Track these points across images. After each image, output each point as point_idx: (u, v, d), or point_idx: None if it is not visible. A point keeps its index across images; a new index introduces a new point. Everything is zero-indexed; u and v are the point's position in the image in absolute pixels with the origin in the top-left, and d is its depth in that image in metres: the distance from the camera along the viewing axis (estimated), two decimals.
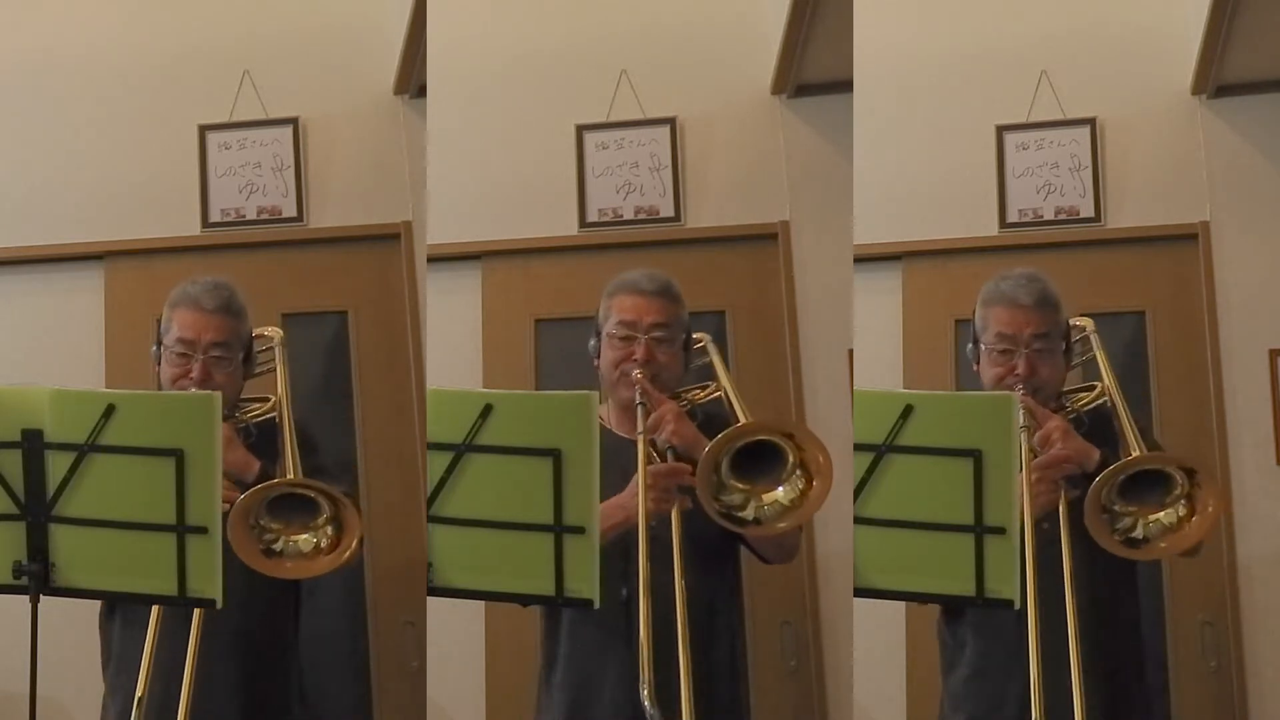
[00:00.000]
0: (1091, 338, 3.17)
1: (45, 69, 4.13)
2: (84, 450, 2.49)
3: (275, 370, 3.19)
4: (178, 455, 2.45)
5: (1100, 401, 3.02)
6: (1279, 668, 3.95)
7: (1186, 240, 4.06)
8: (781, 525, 2.69)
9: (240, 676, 2.99)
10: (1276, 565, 3.95)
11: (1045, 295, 2.97)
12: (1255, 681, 3.94)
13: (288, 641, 3.11)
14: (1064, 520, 2.77)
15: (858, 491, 2.50)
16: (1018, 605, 2.47)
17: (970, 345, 3.03)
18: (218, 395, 2.53)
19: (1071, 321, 3.08)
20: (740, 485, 2.68)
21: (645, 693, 2.50)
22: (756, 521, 2.69)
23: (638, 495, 2.70)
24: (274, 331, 3.26)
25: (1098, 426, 2.96)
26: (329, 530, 2.74)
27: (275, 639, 3.08)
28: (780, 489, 2.68)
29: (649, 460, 2.76)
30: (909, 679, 4.00)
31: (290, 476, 2.78)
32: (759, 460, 2.68)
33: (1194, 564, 3.96)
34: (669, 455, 2.81)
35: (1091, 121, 4.11)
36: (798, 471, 2.66)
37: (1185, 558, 2.97)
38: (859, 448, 2.50)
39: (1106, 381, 3.04)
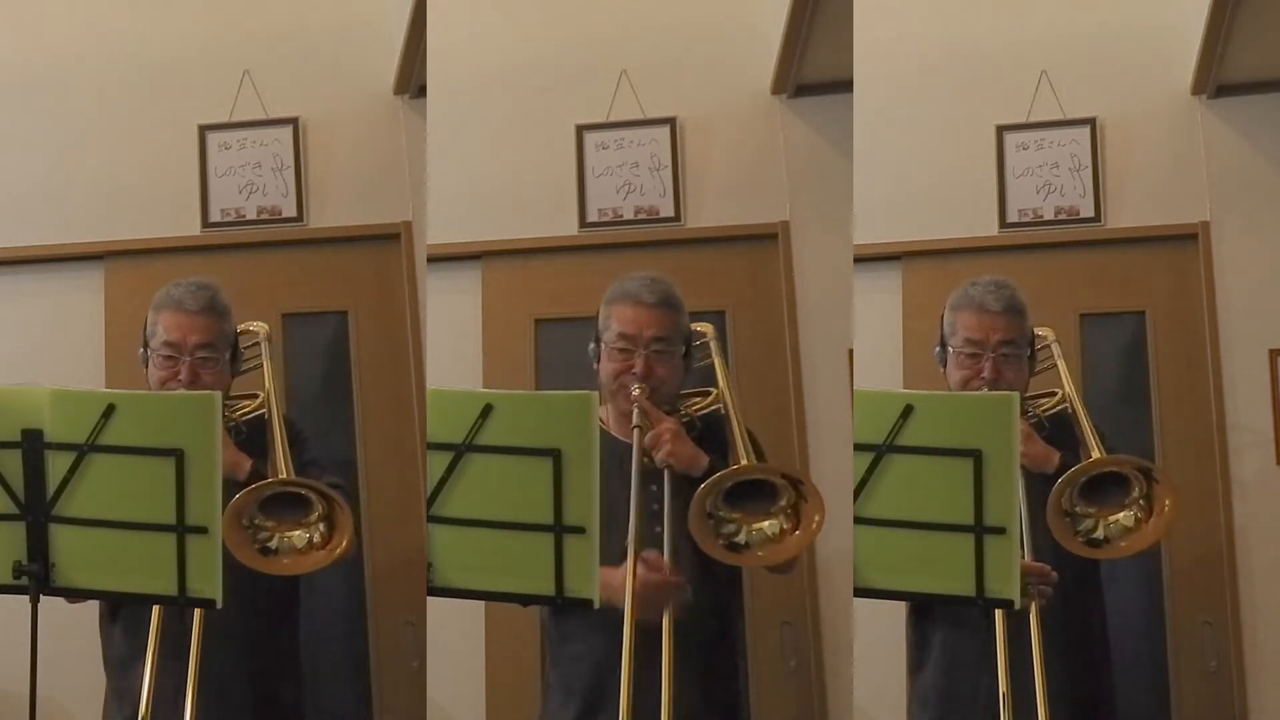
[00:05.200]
0: (1053, 347, 3.24)
1: (45, 69, 4.13)
2: (84, 450, 2.49)
3: (262, 367, 3.19)
4: (177, 455, 2.45)
5: (1061, 407, 3.09)
6: (1279, 667, 3.95)
7: (1186, 240, 4.06)
8: (760, 554, 2.69)
9: (247, 678, 3.00)
10: (1276, 565, 3.96)
11: (1013, 302, 3.05)
12: (1255, 681, 3.94)
13: (290, 641, 3.12)
14: (1025, 521, 2.82)
15: (858, 491, 2.50)
16: (1018, 606, 2.48)
17: (938, 348, 3.11)
18: (218, 395, 2.54)
19: (1035, 330, 3.15)
20: (732, 515, 2.69)
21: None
22: (747, 546, 2.70)
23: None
24: (259, 326, 3.25)
25: (1058, 430, 3.03)
26: (321, 527, 2.75)
27: (277, 638, 3.09)
28: (767, 522, 2.68)
29: (645, 469, 2.78)
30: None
31: (281, 474, 2.79)
32: (755, 487, 2.69)
33: (1194, 564, 3.97)
34: (666, 473, 2.81)
35: (1091, 121, 4.11)
36: (786, 510, 2.67)
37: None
38: (859, 448, 2.50)
39: (1067, 388, 3.11)
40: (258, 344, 3.21)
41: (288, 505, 2.75)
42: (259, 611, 3.00)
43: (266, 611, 3.03)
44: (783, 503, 2.68)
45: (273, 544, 2.74)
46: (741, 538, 2.68)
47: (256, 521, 2.73)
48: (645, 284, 2.94)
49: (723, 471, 2.67)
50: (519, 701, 3.91)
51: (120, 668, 2.99)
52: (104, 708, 3.10)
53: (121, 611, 2.99)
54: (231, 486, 2.78)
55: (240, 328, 3.15)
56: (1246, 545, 3.96)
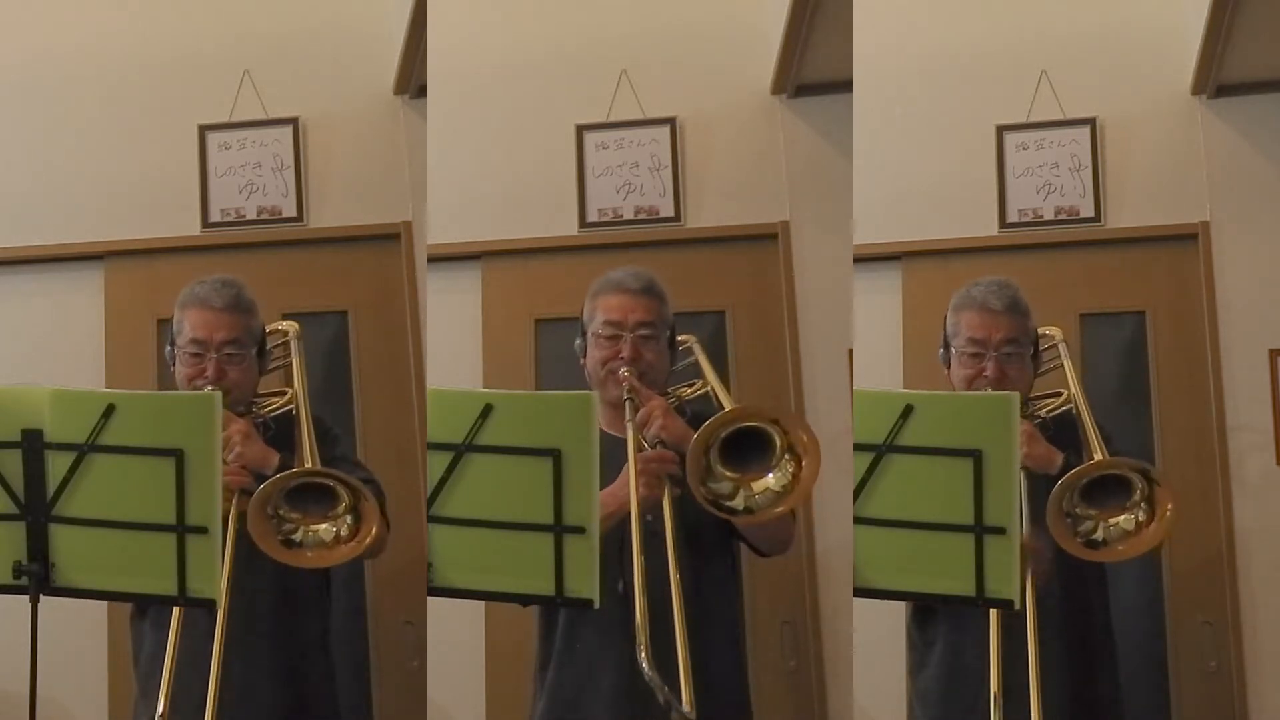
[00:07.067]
0: (1059, 346, 3.24)
1: (45, 69, 4.13)
2: (84, 450, 2.49)
3: (290, 364, 3.20)
4: (178, 455, 2.46)
5: (1066, 408, 3.08)
6: (1279, 668, 3.95)
7: (1186, 240, 4.06)
8: (778, 510, 2.68)
9: (280, 674, 3.01)
10: (1276, 565, 3.96)
11: (1015, 302, 3.06)
12: (1255, 681, 3.94)
13: (321, 637, 3.13)
14: (1027, 522, 2.81)
15: (858, 491, 2.50)
16: (1018, 605, 2.48)
17: (941, 350, 3.12)
18: (218, 395, 2.54)
19: (1041, 330, 3.16)
20: (729, 474, 2.68)
21: (642, 654, 2.47)
22: (748, 510, 2.69)
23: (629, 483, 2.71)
24: (289, 325, 3.28)
25: (1062, 431, 3.03)
26: (348, 519, 2.75)
27: (310, 635, 3.09)
28: (770, 475, 2.68)
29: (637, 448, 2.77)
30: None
31: (307, 465, 2.79)
32: (747, 450, 2.68)
33: (1194, 564, 3.97)
34: (659, 449, 2.81)
35: (1091, 121, 4.11)
36: (786, 456, 2.66)
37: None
38: (859, 448, 2.50)
39: (1072, 389, 3.11)
40: (285, 343, 3.24)
41: (315, 499, 2.75)
42: (289, 608, 3.01)
43: (298, 608, 3.04)
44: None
45: (297, 536, 2.74)
46: (739, 502, 2.69)
47: (282, 513, 2.74)
48: (629, 273, 2.99)
49: (715, 416, 2.67)
50: (519, 701, 3.91)
51: (150, 665, 2.98)
52: (134, 706, 3.08)
53: (151, 609, 2.99)
54: (262, 482, 2.78)
55: (269, 328, 3.17)
56: (1247, 545, 3.96)
